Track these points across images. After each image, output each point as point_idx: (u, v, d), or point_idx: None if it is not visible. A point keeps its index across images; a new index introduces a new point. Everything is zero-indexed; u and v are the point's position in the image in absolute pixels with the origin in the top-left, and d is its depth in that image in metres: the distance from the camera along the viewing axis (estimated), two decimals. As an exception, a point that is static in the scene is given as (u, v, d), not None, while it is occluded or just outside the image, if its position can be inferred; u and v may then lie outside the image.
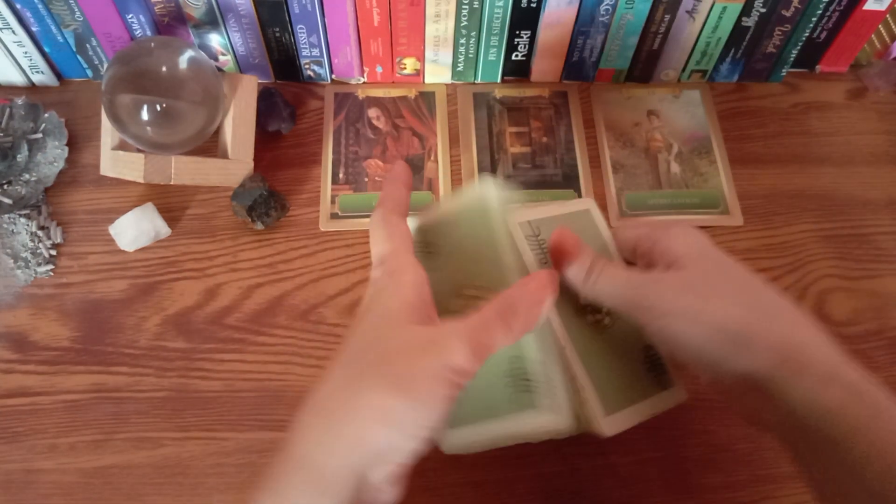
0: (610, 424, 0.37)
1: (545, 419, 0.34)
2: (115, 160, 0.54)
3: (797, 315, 0.35)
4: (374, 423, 0.29)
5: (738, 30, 0.58)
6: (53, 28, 0.56)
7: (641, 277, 0.37)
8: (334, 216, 0.56)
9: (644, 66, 0.61)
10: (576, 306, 0.40)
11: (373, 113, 0.60)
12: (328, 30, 0.57)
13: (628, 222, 0.40)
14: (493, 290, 0.35)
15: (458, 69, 0.61)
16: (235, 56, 0.60)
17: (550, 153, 0.59)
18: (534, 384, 0.34)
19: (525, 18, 0.57)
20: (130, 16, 0.56)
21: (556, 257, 0.39)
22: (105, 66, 0.60)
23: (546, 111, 0.61)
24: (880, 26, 0.63)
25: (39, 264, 0.53)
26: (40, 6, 0.54)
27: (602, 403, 0.37)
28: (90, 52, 0.59)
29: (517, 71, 0.62)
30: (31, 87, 0.61)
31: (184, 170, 0.52)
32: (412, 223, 0.40)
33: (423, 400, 0.29)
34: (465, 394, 0.33)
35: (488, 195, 0.39)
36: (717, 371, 0.35)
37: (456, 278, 0.38)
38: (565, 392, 0.36)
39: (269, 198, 0.54)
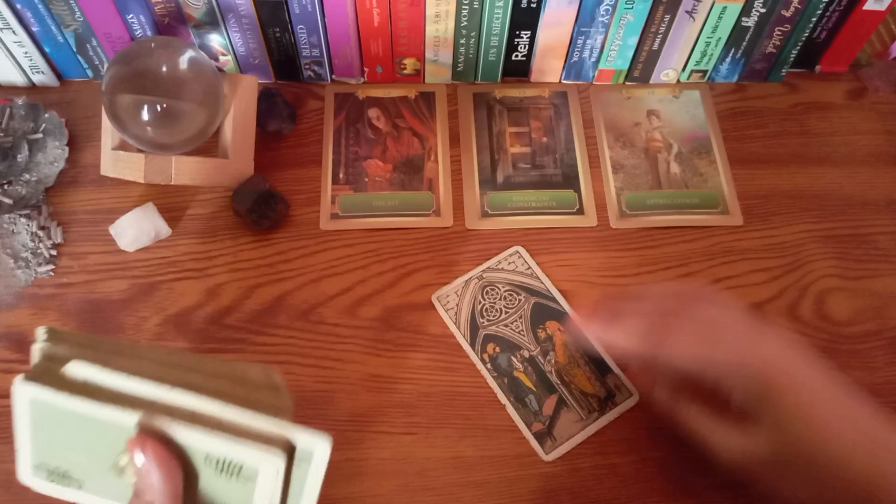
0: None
1: (276, 462, 0.31)
2: (116, 160, 0.54)
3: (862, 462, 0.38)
4: None
5: (737, 30, 0.58)
6: (54, 28, 0.56)
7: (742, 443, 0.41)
8: (334, 216, 0.56)
9: (644, 66, 0.61)
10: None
11: (373, 113, 0.61)
12: (328, 30, 0.57)
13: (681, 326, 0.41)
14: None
15: (458, 69, 0.61)
16: (236, 56, 0.60)
17: (550, 153, 0.59)
18: (238, 456, 0.32)
19: (525, 18, 0.57)
20: (130, 16, 0.56)
21: None
22: (105, 66, 0.60)
23: (546, 111, 0.61)
24: (880, 26, 0.63)
25: (40, 264, 0.53)
26: (40, 6, 0.54)
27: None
28: (90, 52, 0.59)
29: (517, 71, 0.62)
30: (32, 87, 0.61)
31: (184, 170, 0.52)
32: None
33: None
34: None
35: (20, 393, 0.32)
36: None
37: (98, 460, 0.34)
38: (258, 422, 0.32)
39: (269, 198, 0.54)
